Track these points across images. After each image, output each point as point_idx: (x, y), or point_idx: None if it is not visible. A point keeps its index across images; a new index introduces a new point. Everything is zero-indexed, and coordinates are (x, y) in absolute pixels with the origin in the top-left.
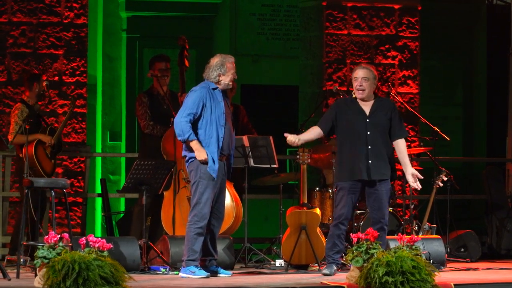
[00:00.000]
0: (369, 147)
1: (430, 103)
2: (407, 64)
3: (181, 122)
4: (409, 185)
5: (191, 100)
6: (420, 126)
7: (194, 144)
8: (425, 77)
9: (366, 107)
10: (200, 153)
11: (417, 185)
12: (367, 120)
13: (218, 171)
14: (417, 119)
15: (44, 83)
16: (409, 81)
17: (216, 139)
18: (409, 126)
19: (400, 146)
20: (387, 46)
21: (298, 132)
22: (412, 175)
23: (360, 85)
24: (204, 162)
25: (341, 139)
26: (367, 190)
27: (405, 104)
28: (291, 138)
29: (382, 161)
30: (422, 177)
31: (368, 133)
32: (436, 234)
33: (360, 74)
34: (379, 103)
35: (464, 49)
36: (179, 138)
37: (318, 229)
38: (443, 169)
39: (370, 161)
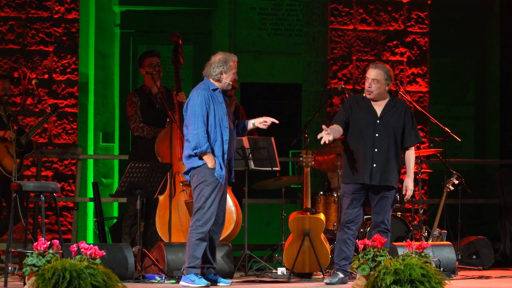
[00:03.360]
0: (376, 150)
1: (441, 102)
2: (416, 61)
3: (198, 134)
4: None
5: (198, 106)
6: (430, 127)
7: (208, 156)
8: (435, 75)
9: (378, 107)
10: (211, 164)
11: (406, 197)
12: (377, 121)
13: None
14: (427, 119)
15: (33, 81)
16: (418, 79)
17: (220, 143)
18: (419, 127)
19: (407, 154)
20: (395, 42)
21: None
22: (405, 185)
23: (369, 87)
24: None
25: (348, 138)
26: (370, 194)
27: (414, 104)
28: (323, 135)
29: (387, 165)
30: (407, 198)
31: (377, 135)
32: (446, 241)
33: (371, 75)
34: (392, 104)
35: (476, 45)
36: (193, 151)
37: (322, 236)
38: (454, 171)
39: (374, 165)
